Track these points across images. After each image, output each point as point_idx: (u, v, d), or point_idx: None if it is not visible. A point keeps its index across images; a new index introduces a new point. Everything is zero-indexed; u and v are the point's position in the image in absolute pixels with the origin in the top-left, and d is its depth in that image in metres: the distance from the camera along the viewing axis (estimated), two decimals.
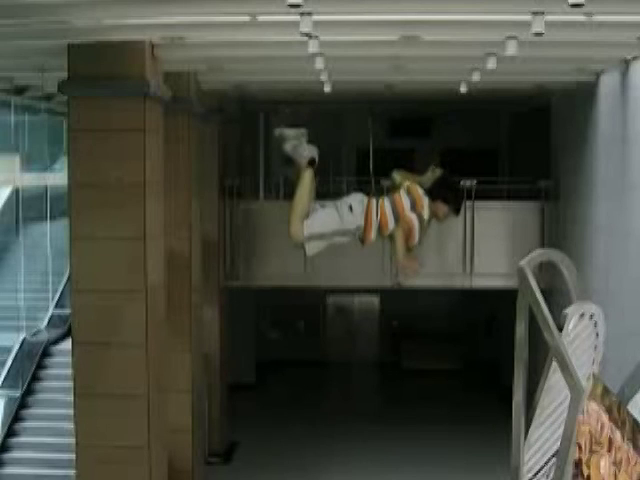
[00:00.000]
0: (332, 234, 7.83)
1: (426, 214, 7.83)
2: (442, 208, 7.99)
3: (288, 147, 7.91)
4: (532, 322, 4.10)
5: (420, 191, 7.79)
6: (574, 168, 11.58)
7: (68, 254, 7.99)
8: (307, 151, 7.84)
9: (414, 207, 7.75)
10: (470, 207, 12.98)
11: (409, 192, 7.81)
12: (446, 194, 7.96)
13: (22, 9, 6.56)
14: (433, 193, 7.83)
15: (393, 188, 8.05)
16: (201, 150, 11.20)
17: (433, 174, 8.34)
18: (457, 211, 8.24)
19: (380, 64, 9.30)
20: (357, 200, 7.88)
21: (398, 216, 7.83)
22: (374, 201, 7.81)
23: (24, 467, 12.68)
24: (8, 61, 9.12)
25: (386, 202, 7.83)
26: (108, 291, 7.77)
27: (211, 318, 12.49)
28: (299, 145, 7.86)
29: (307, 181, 7.77)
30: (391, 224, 7.80)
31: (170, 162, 9.04)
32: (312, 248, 7.86)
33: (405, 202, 7.77)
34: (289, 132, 8.03)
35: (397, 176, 8.12)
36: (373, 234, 7.85)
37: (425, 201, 7.76)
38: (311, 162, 7.80)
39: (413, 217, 7.76)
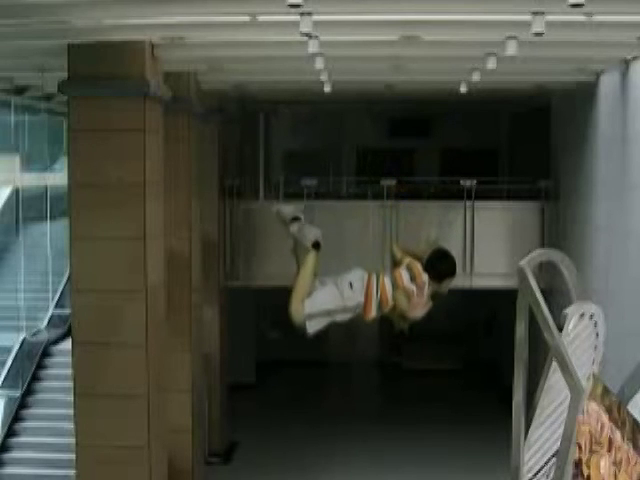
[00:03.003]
0: (333, 312, 7.84)
1: (426, 288, 7.81)
2: (443, 281, 7.97)
3: (294, 229, 7.83)
4: (532, 322, 4.11)
5: (420, 268, 7.80)
6: (574, 168, 11.58)
7: (68, 254, 7.99)
8: (312, 233, 7.78)
9: (413, 280, 7.76)
10: (470, 207, 13.00)
11: (409, 269, 7.82)
12: (441, 267, 7.94)
13: (22, 9, 6.56)
14: (430, 270, 7.82)
15: (394, 264, 8.02)
16: (201, 150, 11.20)
17: (428, 243, 8.28)
18: (453, 274, 8.20)
19: (380, 64, 9.30)
20: (357, 277, 7.85)
21: (396, 288, 7.82)
22: (374, 278, 7.80)
23: (24, 467, 12.67)
24: (8, 61, 9.12)
25: (386, 279, 7.82)
26: (108, 291, 7.76)
27: (211, 318, 12.48)
28: (304, 227, 7.79)
29: (311, 264, 7.74)
30: (391, 301, 7.80)
31: (170, 162, 9.03)
32: (313, 326, 7.89)
33: (405, 277, 7.79)
34: (286, 209, 7.93)
35: (397, 252, 8.09)
36: (373, 311, 7.86)
37: (425, 277, 7.77)
38: (316, 245, 7.75)
39: (412, 287, 7.76)
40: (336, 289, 7.78)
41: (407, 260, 7.88)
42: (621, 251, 9.14)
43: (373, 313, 7.85)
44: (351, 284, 7.79)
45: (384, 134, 18.67)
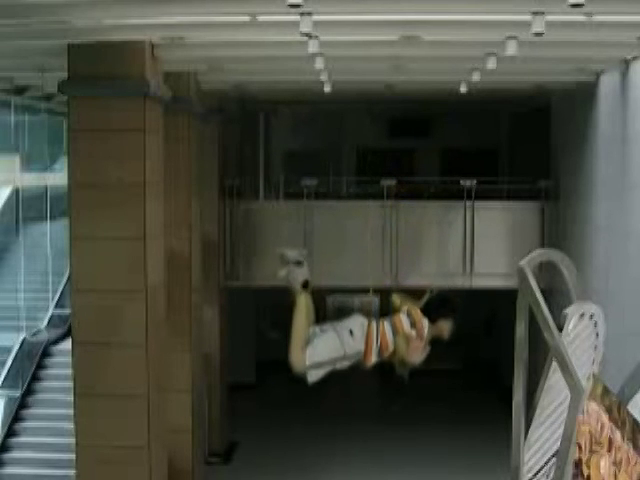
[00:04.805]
0: (334, 361, 7.85)
1: (425, 333, 7.83)
2: (444, 326, 7.97)
3: (282, 273, 7.86)
4: (532, 322, 4.10)
5: (420, 314, 7.81)
6: (574, 168, 11.58)
7: (68, 254, 7.99)
8: (301, 275, 7.79)
9: (413, 326, 7.78)
10: (470, 207, 12.99)
11: (409, 314, 7.84)
12: (442, 311, 7.95)
13: (22, 9, 6.56)
14: (431, 315, 7.82)
15: (393, 310, 8.03)
16: (201, 150, 11.20)
17: (429, 294, 8.27)
18: (453, 317, 8.19)
19: (380, 64, 9.30)
20: (357, 324, 7.86)
21: (397, 334, 7.83)
22: (374, 324, 7.81)
23: (24, 467, 12.67)
24: (8, 61, 9.13)
25: (386, 325, 7.83)
26: (108, 291, 7.77)
27: (211, 318, 12.48)
28: (293, 270, 7.80)
29: (303, 305, 7.75)
30: (391, 346, 7.82)
31: (170, 162, 9.04)
32: (314, 376, 7.95)
33: (405, 322, 7.80)
34: (291, 253, 7.95)
35: (397, 299, 8.11)
36: (373, 357, 7.88)
37: (425, 323, 7.78)
38: (304, 285, 7.77)
39: (412, 333, 7.78)
40: (337, 337, 7.78)
41: (406, 306, 7.91)
42: (621, 251, 9.14)
43: (373, 359, 7.88)
44: (351, 332, 7.80)
45: (384, 134, 18.67)
